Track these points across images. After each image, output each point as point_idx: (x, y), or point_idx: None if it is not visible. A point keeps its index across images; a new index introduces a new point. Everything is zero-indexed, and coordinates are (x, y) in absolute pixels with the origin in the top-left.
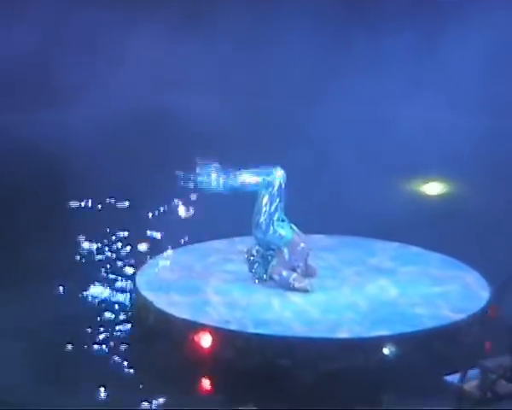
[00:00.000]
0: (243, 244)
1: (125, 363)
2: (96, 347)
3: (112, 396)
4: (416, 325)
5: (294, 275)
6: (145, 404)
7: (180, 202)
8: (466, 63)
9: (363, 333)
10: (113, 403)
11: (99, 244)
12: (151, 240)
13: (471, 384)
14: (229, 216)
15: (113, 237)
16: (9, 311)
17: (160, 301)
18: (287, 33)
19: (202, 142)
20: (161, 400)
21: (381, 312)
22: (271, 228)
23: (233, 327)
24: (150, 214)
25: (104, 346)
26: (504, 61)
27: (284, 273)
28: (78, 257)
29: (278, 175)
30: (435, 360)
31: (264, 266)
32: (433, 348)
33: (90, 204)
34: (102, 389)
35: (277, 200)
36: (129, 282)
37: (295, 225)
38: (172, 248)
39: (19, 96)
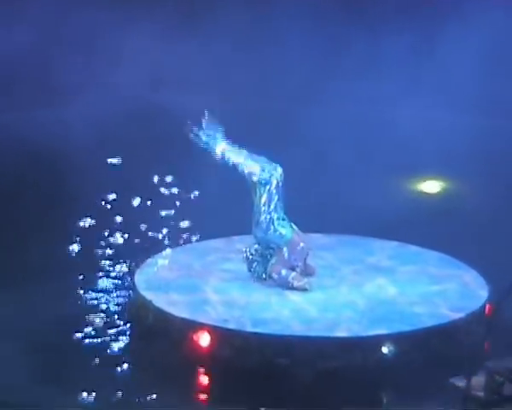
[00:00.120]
0: (242, 243)
1: (125, 362)
2: (95, 346)
3: (111, 396)
4: (414, 324)
5: (293, 274)
6: (144, 403)
7: (179, 202)
8: (463, 63)
9: (361, 332)
10: (113, 403)
11: (98, 243)
12: (150, 239)
13: (477, 387)
14: (228, 215)
15: (113, 236)
16: (9, 311)
17: (159, 300)
18: (286, 33)
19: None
20: (160, 399)
21: (380, 310)
22: (272, 227)
23: (231, 326)
24: (149, 214)
25: (103, 345)
26: (502, 61)
27: (283, 272)
28: (77, 257)
29: (276, 173)
30: (434, 359)
31: (263, 265)
32: (432, 347)
33: (89, 204)
34: (102, 389)
35: (276, 198)
36: (128, 281)
37: (294, 224)
38: (171, 247)
39: (17, 95)
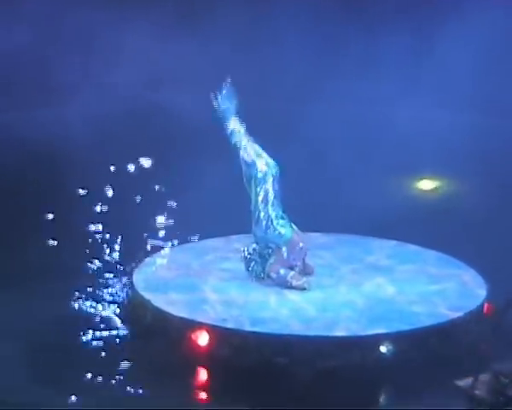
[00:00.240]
0: (240, 242)
1: (123, 362)
2: (94, 346)
3: (110, 395)
4: (413, 323)
5: (292, 273)
6: (143, 403)
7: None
8: (461, 62)
9: (360, 331)
10: (112, 402)
11: (97, 243)
12: (149, 238)
13: (482, 389)
14: (227, 215)
15: (112, 235)
16: (9, 311)
17: (158, 300)
18: (284, 33)
19: (199, 140)
20: (159, 398)
21: (378, 310)
22: (272, 226)
23: (230, 325)
24: (148, 213)
25: (102, 345)
26: (499, 60)
27: (282, 271)
28: (77, 256)
29: (272, 169)
30: (432, 358)
31: (262, 265)
32: (431, 346)
33: (88, 203)
34: (101, 389)
35: (272, 196)
36: (126, 280)
37: (293, 223)
38: (170, 246)
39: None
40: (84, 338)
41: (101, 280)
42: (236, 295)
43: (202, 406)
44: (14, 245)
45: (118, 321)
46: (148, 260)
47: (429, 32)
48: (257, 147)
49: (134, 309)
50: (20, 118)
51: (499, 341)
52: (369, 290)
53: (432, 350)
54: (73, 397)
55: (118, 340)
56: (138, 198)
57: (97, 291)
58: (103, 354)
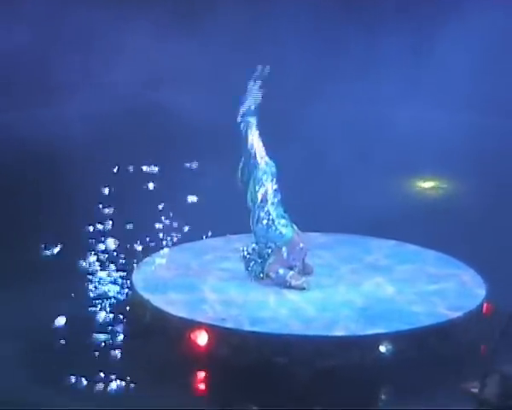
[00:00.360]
0: (239, 242)
1: (122, 361)
2: (94, 346)
3: (110, 395)
4: (412, 323)
5: (291, 273)
6: (142, 402)
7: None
8: (460, 62)
9: (359, 331)
10: (112, 402)
11: (97, 243)
12: (148, 238)
13: (489, 391)
14: (226, 214)
15: (111, 235)
16: (9, 311)
17: (157, 299)
18: (284, 33)
19: (199, 140)
20: (159, 398)
21: (378, 309)
22: (273, 225)
23: (229, 325)
24: (148, 213)
25: (102, 345)
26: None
27: (281, 271)
28: (76, 256)
29: (271, 169)
30: (431, 358)
31: (261, 264)
32: (430, 346)
33: (88, 202)
34: (101, 389)
35: (272, 195)
36: (126, 280)
37: (293, 222)
38: (169, 245)
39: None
40: (83, 338)
41: (100, 280)
42: (236, 294)
43: (202, 406)
44: (14, 245)
45: (117, 321)
46: (147, 259)
47: (429, 32)
48: (262, 146)
49: (133, 309)
50: (20, 118)
51: (506, 343)
52: (368, 290)
53: (431, 350)
54: (73, 397)
55: (117, 339)
56: (138, 198)
57: (97, 291)
58: (102, 353)
